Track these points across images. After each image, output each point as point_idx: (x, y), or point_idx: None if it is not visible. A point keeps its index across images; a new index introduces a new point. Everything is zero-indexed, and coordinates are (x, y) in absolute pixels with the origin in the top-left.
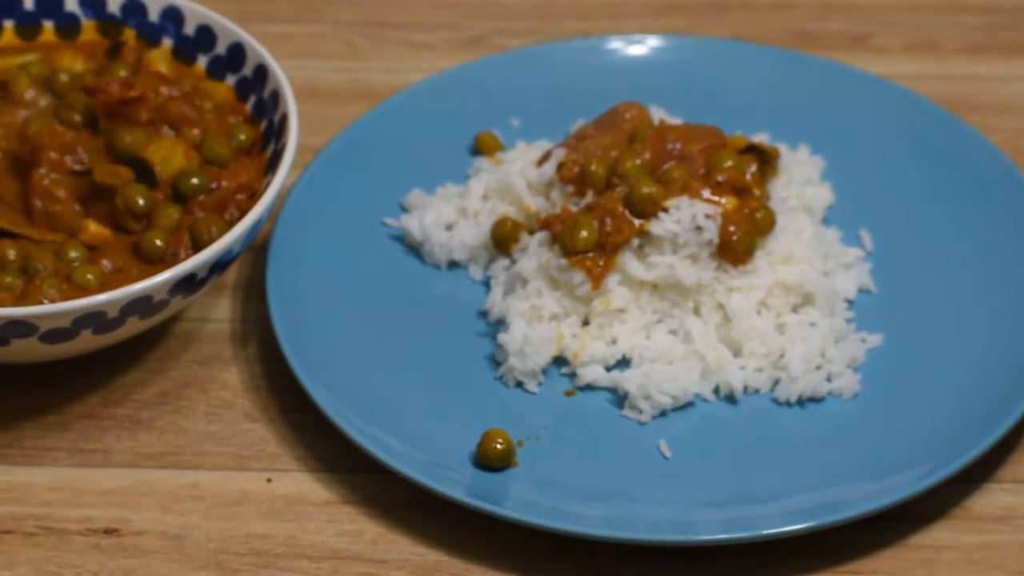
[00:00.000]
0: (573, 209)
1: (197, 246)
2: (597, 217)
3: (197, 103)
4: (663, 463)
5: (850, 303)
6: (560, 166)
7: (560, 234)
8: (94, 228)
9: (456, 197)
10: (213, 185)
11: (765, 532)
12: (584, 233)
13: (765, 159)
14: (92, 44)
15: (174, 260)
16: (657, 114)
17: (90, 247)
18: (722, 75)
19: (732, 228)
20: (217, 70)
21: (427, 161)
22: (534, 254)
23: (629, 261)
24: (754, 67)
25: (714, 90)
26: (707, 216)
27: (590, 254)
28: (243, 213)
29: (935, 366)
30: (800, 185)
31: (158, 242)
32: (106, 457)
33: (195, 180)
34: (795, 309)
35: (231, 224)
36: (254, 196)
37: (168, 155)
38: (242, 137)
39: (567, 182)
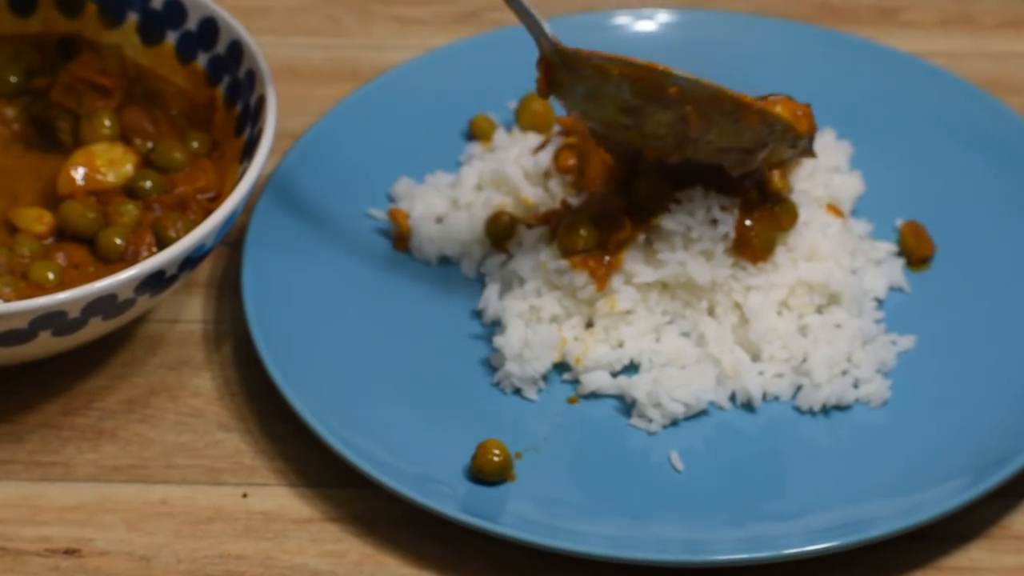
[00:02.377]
0: (572, 203)
1: (161, 244)
2: (598, 211)
3: (156, 114)
4: (674, 477)
5: (880, 303)
6: (556, 154)
7: (558, 233)
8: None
9: (447, 187)
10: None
11: (786, 552)
12: (583, 232)
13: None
14: (42, 36)
15: (135, 260)
16: None
17: (42, 239)
18: (738, 53)
19: (750, 222)
20: (187, 48)
21: (416, 147)
22: (531, 251)
23: (635, 260)
24: (774, 44)
25: (730, 70)
26: (723, 209)
27: (592, 253)
28: (206, 214)
29: (972, 371)
30: (826, 173)
31: (117, 240)
32: (66, 471)
33: (148, 183)
34: (819, 309)
35: (196, 224)
36: (217, 198)
37: (117, 159)
38: (195, 145)
39: (564, 172)
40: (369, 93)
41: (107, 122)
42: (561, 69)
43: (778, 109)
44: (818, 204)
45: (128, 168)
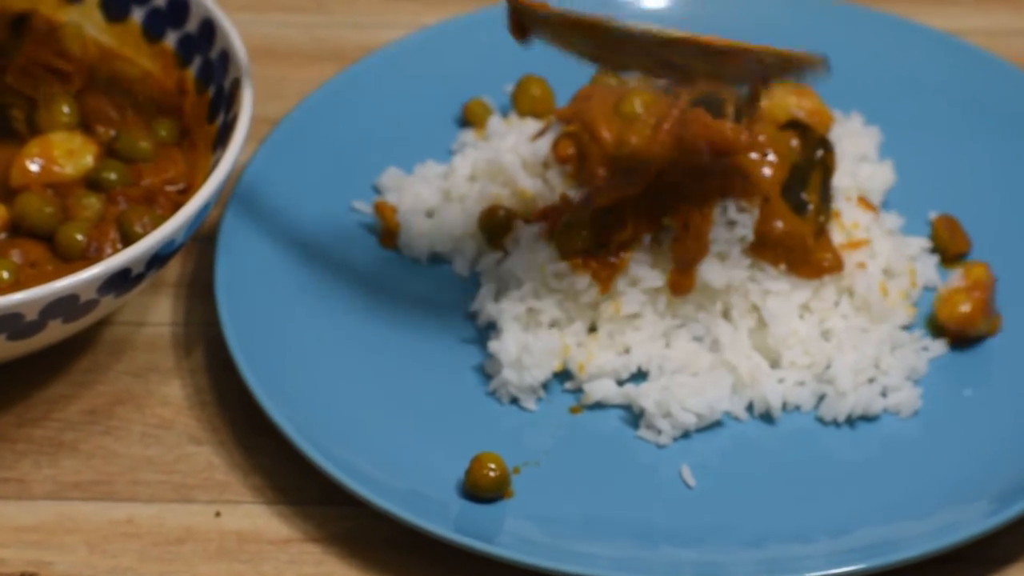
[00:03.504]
0: (573, 197)
1: (126, 241)
2: (606, 202)
3: (120, 100)
4: (686, 493)
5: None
6: (555, 143)
7: (556, 233)
8: None
9: (439, 178)
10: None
11: None
12: (584, 232)
13: (810, 136)
14: None
15: (97, 257)
16: None
17: None
18: (756, 30)
19: (780, 223)
20: (154, 26)
21: (405, 135)
22: (529, 249)
23: (641, 263)
24: (795, 21)
25: None
26: (740, 210)
27: (593, 253)
28: (176, 208)
29: (1010, 378)
30: (853, 162)
31: (78, 236)
32: (22, 487)
33: (112, 175)
34: (844, 312)
35: (165, 218)
36: (188, 190)
37: (76, 149)
38: (163, 133)
39: (563, 162)
40: (354, 75)
41: (66, 109)
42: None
43: (780, 90)
44: (845, 196)
45: (88, 159)
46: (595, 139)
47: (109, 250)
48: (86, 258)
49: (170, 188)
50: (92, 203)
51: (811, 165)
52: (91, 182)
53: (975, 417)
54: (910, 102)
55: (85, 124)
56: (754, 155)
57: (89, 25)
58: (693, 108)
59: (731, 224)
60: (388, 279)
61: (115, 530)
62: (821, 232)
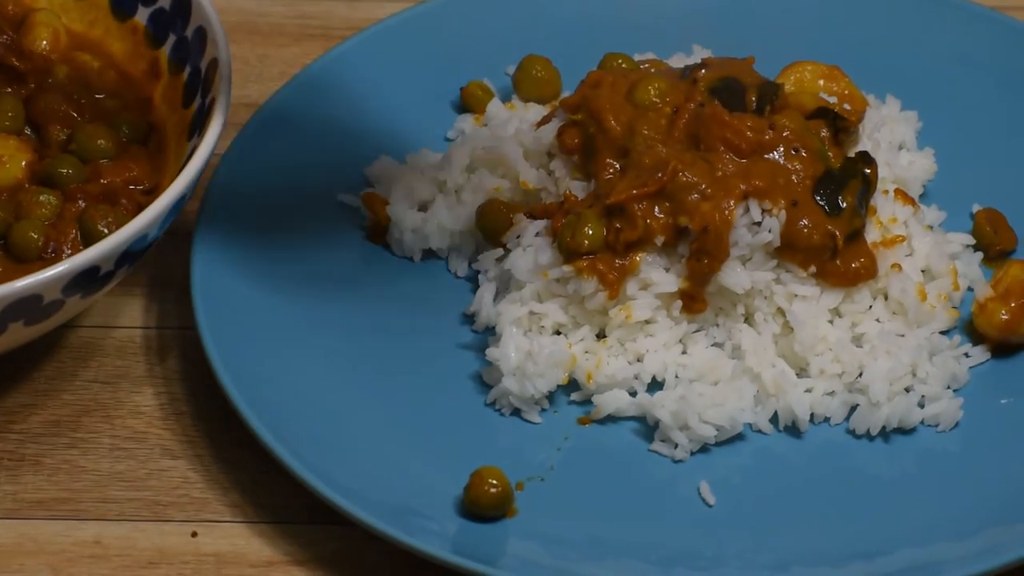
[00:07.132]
0: (578, 192)
1: (88, 241)
2: (617, 199)
3: (75, 98)
4: (705, 513)
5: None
6: (560, 131)
7: (559, 232)
8: None
9: (433, 168)
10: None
11: None
12: (590, 231)
13: (840, 125)
14: None
15: (55, 259)
16: (700, 55)
17: None
18: (784, 6)
19: (805, 223)
20: (125, 1)
21: (397, 121)
22: (530, 248)
23: (653, 265)
24: None
25: (773, 27)
26: (765, 211)
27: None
28: (140, 208)
29: None
30: (890, 151)
31: (33, 234)
32: None
33: (67, 170)
34: (878, 315)
35: (129, 219)
36: (153, 192)
37: (5, 157)
38: (126, 130)
39: (569, 152)
40: (342, 56)
41: (10, 113)
42: None
43: (807, 73)
44: (881, 189)
45: (20, 166)
46: (603, 131)
47: (69, 251)
48: (43, 259)
49: (133, 188)
50: (48, 200)
51: (852, 175)
52: (44, 178)
53: (1018, 431)
54: (951, 85)
55: (37, 125)
56: (779, 153)
57: (45, 37)
58: (710, 102)
59: (754, 225)
60: (377, 278)
61: (81, 552)
62: (855, 236)
